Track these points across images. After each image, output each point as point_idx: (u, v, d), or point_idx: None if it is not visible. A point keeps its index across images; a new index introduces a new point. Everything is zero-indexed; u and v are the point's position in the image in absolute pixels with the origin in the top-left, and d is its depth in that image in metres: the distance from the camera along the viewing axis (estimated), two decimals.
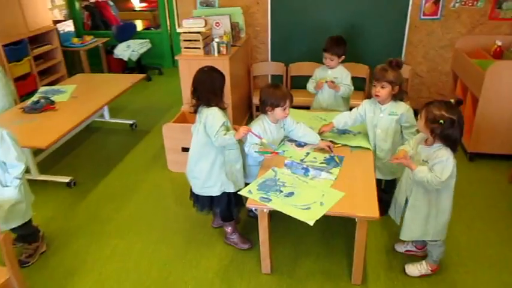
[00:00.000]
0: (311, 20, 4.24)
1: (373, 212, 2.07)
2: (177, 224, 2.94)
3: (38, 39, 5.32)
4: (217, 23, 3.83)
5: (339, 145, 2.70)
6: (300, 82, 4.43)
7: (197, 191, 2.58)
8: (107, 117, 4.58)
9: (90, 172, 3.65)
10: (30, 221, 2.57)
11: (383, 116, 2.63)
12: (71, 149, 4.04)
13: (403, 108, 2.58)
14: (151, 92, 5.67)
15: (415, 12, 4.03)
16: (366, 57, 4.22)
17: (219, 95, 2.40)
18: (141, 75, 4.44)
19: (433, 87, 4.32)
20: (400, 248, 2.60)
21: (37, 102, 3.57)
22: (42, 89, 4.09)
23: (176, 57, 3.68)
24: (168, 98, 5.35)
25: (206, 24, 3.64)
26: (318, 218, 2.05)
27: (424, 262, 2.42)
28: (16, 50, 4.82)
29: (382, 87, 2.53)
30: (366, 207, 2.10)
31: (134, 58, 5.89)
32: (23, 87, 4.93)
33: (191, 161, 2.54)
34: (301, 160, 2.55)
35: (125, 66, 6.33)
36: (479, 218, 2.88)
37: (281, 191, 2.26)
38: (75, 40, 5.95)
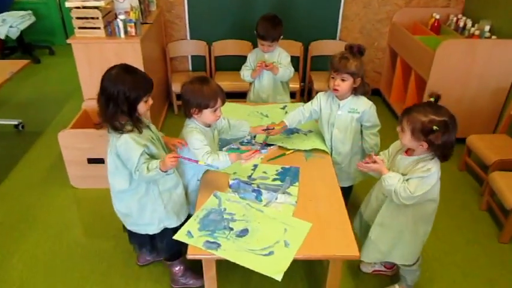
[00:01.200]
0: None
1: (352, 249, 1.63)
2: (90, 265, 2.26)
3: None
4: None
5: (291, 151, 2.21)
6: (226, 63, 3.84)
7: (131, 227, 1.94)
8: None
9: None
10: None
11: (341, 114, 2.18)
12: None
13: (365, 105, 2.14)
14: (41, 78, 4.61)
15: None
16: (299, 33, 3.74)
17: (134, 112, 1.67)
18: (24, 62, 3.44)
19: (370, 64, 4.00)
20: (367, 269, 2.23)
21: None
22: None
23: (69, 41, 2.83)
24: (65, 86, 4.37)
25: None
26: (286, 268, 1.55)
27: (397, 286, 2.08)
28: None
29: (343, 80, 2.05)
30: (342, 242, 1.65)
31: (14, 35, 4.73)
32: None
33: (113, 195, 1.86)
34: (249, 177, 2.01)
35: (3, 46, 5.11)
36: (440, 216, 2.61)
37: (231, 229, 1.71)
38: None
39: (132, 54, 2.87)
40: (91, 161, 2.73)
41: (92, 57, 2.85)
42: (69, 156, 2.72)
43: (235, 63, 3.75)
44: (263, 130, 2.17)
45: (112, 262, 2.27)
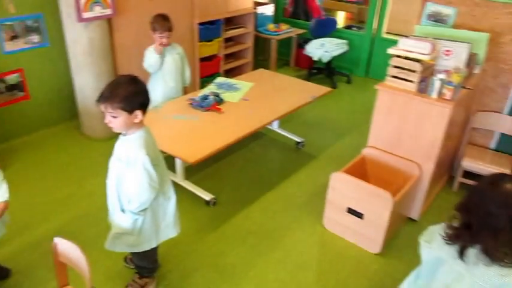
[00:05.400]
0: None
1: None
2: None
3: (233, 20, 5.02)
4: (448, 51, 2.73)
5: None
6: None
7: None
8: (275, 126, 3.98)
9: (232, 191, 3.14)
10: (146, 254, 2.11)
11: None
12: (222, 154, 3.46)
13: None
14: (332, 103, 4.83)
15: None
16: None
17: None
18: (327, 89, 3.67)
19: None
20: None
21: (205, 98, 3.16)
22: (218, 79, 3.70)
23: (377, 87, 2.74)
24: (350, 117, 4.45)
25: (433, 50, 2.59)
26: None
27: None
28: (209, 30, 4.57)
29: None
30: None
31: (325, 59, 5.14)
32: (206, 69, 4.70)
33: None
34: None
35: (312, 64, 5.66)
36: None
37: None
38: (271, 27, 5.50)
39: (436, 117, 2.56)
40: (350, 211, 2.60)
41: (393, 109, 2.70)
42: (333, 198, 2.67)
43: None
44: None
45: None
